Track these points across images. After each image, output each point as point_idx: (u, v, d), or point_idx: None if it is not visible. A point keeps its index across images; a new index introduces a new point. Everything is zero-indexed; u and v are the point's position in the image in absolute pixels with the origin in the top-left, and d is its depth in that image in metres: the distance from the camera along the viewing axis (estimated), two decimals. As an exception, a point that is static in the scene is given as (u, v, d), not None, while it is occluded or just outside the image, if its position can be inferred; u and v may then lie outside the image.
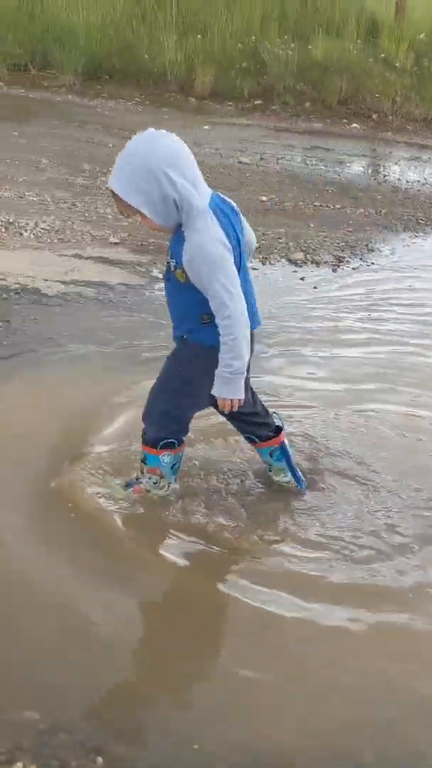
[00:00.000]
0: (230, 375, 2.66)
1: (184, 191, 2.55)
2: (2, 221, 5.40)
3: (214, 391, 2.70)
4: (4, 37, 8.96)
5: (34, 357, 3.87)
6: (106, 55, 10.21)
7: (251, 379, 2.86)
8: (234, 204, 2.74)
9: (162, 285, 2.88)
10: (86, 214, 5.77)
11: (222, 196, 2.72)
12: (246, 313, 2.62)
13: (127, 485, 2.97)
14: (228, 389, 2.68)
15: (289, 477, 3.07)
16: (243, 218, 2.78)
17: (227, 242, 2.60)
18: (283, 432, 3.04)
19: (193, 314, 2.69)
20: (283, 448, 3.04)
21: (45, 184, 6.32)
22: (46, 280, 4.66)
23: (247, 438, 3.06)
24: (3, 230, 5.27)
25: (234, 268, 2.60)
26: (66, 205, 5.91)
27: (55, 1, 9.26)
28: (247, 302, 2.65)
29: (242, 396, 2.70)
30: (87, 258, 5.07)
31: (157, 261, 5.01)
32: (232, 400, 2.70)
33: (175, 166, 2.55)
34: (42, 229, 5.39)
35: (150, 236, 5.30)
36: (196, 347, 2.74)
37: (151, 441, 2.90)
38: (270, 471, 3.10)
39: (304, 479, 3.10)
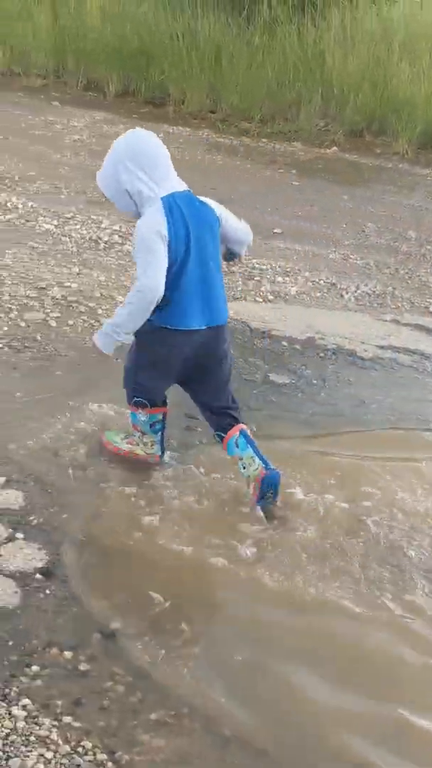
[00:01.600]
0: (110, 330, 3.07)
1: (137, 183, 2.94)
2: (325, 282, 5.55)
3: (94, 335, 3.14)
4: (345, 103, 9.26)
5: (348, 418, 3.93)
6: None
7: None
8: (212, 205, 3.09)
9: None
10: (408, 281, 5.78)
11: (198, 197, 3.06)
12: (151, 296, 2.94)
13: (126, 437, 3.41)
14: (102, 340, 3.11)
15: (257, 463, 3.14)
16: (232, 218, 3.17)
17: (164, 232, 2.92)
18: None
19: None
20: (244, 433, 3.21)
21: (369, 248, 6.41)
22: (363, 342, 4.71)
23: (217, 436, 3.30)
24: (325, 291, 5.41)
25: (160, 255, 2.93)
26: (388, 270, 5.95)
27: (399, 71, 9.42)
28: (203, 297, 3.04)
29: (107, 352, 3.12)
30: (405, 324, 5.07)
31: None
32: (97, 347, 3.12)
33: (135, 159, 2.94)
34: (362, 292, 5.47)
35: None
36: (149, 329, 3.06)
37: (128, 399, 3.34)
38: (243, 469, 3.19)
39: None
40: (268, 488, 3.13)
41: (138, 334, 3.12)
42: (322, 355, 4.53)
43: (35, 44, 9.79)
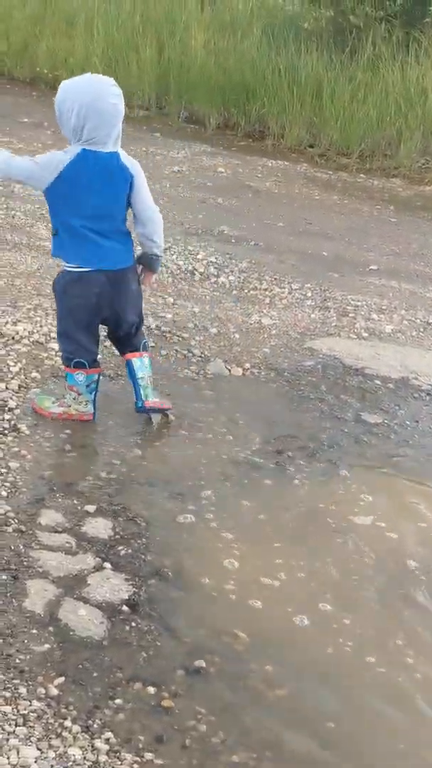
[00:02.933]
0: None
1: (78, 128, 3.36)
2: (422, 321, 5.47)
3: None
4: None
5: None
6: None
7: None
8: (133, 167, 3.54)
9: None
10: None
11: (122, 160, 3.49)
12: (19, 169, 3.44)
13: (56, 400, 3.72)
14: None
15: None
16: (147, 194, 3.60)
17: (60, 168, 3.38)
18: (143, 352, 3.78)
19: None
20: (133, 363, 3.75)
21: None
22: (460, 385, 4.62)
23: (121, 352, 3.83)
24: (422, 330, 5.33)
25: (46, 168, 3.41)
26: None
27: None
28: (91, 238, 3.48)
29: None
30: None
31: None
32: None
33: (87, 113, 3.34)
34: (460, 332, 5.37)
35: None
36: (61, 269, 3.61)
37: (65, 361, 3.68)
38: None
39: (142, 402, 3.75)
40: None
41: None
42: (416, 395, 4.46)
43: (139, 76, 9.99)
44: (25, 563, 2.84)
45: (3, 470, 3.32)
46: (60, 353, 3.81)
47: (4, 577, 2.75)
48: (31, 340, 4.32)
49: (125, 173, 3.50)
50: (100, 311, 3.62)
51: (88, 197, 3.44)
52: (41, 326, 4.46)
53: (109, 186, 3.47)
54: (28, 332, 4.37)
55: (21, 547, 2.91)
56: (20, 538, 2.96)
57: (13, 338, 4.28)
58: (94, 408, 3.73)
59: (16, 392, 3.87)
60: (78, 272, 3.53)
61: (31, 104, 10.15)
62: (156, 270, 3.81)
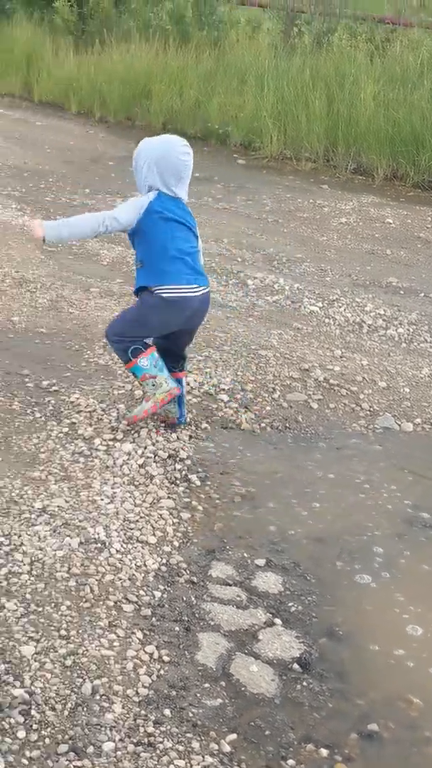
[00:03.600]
0: (58, 223, 3.85)
1: (151, 179, 3.80)
2: None
3: (39, 222, 3.81)
4: None
5: None
6: None
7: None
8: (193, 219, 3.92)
9: None
10: None
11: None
12: (95, 222, 3.75)
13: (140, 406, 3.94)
14: (50, 227, 3.76)
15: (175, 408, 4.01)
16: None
17: (145, 207, 3.76)
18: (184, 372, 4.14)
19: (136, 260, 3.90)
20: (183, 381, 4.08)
21: None
22: None
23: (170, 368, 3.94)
24: None
25: (133, 214, 3.77)
26: None
27: None
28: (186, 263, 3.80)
29: (41, 235, 3.71)
30: None
31: None
32: (36, 231, 3.73)
33: (158, 164, 3.78)
34: None
35: None
36: (139, 289, 3.86)
37: (123, 357, 3.89)
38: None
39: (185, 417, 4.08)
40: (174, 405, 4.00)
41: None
42: None
43: (308, 129, 10.11)
44: (196, 615, 2.87)
45: (175, 520, 3.39)
46: (115, 354, 4.15)
47: (177, 628, 2.79)
48: (201, 391, 4.41)
49: (191, 217, 3.93)
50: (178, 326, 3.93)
51: (174, 230, 3.80)
52: (210, 377, 4.54)
53: (188, 218, 3.89)
54: (198, 383, 4.46)
55: (193, 598, 2.95)
56: (192, 590, 3.00)
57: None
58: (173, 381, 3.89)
59: (187, 442, 3.95)
60: (176, 295, 3.77)
61: (201, 159, 10.43)
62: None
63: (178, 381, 3.99)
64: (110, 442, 3.84)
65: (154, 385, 3.85)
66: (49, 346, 4.83)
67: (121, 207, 3.88)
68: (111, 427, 3.96)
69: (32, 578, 2.93)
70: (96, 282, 5.83)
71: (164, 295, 3.75)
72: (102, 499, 3.43)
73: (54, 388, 4.32)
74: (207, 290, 3.89)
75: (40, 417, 4.04)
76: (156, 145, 3.85)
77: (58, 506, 3.34)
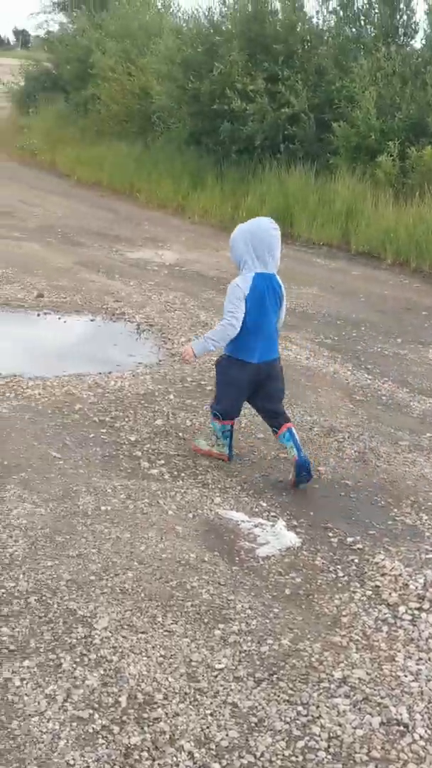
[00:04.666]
0: (204, 340, 4.75)
1: (246, 256, 4.63)
2: None
3: (189, 344, 5.01)
4: None
5: None
6: None
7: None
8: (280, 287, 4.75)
9: None
10: None
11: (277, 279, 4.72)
12: (229, 329, 4.63)
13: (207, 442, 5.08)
14: (197, 345, 4.77)
15: (294, 452, 4.76)
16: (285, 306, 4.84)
17: (246, 293, 4.61)
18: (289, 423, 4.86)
19: None
20: (290, 431, 4.82)
21: None
22: None
23: (273, 430, 4.91)
24: None
25: (241, 307, 4.61)
26: None
27: None
28: (258, 338, 4.72)
29: (192, 355, 4.77)
30: None
31: None
32: (186, 351, 4.81)
33: (252, 242, 4.59)
34: None
35: None
36: (225, 356, 4.85)
37: (212, 413, 4.95)
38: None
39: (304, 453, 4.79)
40: (300, 470, 4.73)
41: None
42: None
43: None
44: None
45: None
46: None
47: None
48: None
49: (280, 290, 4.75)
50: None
51: (261, 307, 4.64)
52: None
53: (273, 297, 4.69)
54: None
55: None
56: None
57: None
58: (231, 452, 5.01)
59: None
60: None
61: None
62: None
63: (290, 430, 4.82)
64: (416, 612, 3.64)
65: (217, 439, 5.04)
66: (355, 500, 4.74)
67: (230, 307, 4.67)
68: (417, 595, 3.76)
69: (329, 756, 2.78)
70: (405, 435, 5.71)
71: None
72: (405, 675, 3.23)
73: (358, 546, 4.21)
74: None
75: (343, 576, 3.93)
76: (248, 226, 4.68)
77: (359, 678, 3.18)
